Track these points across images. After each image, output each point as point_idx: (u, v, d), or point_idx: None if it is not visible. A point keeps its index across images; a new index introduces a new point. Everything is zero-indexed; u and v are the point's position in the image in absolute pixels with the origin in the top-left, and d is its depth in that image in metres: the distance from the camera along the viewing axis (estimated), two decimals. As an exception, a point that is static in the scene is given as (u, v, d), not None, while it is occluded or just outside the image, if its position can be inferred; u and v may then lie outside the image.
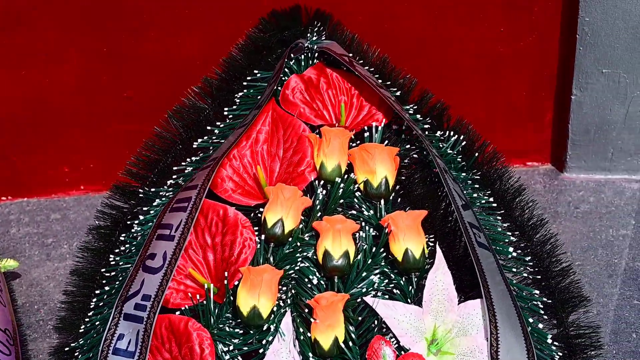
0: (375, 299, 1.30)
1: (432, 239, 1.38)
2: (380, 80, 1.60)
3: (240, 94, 1.61)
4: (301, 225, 1.39)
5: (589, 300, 1.48)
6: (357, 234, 1.37)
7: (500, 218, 1.49)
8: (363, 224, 1.38)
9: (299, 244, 1.36)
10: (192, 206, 1.40)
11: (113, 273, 1.47)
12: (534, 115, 1.88)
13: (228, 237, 1.38)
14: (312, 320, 1.28)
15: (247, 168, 1.47)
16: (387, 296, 1.33)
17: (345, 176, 1.41)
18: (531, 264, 1.44)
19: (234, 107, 1.59)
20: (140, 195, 1.54)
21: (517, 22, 1.74)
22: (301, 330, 1.30)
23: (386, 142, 1.46)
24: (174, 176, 1.54)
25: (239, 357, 1.29)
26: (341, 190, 1.39)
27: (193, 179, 1.45)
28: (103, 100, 1.88)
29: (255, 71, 1.62)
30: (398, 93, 1.59)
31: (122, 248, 1.48)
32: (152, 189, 1.55)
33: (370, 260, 1.33)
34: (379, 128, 1.46)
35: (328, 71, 1.58)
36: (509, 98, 1.85)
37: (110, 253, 1.50)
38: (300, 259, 1.35)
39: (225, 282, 1.33)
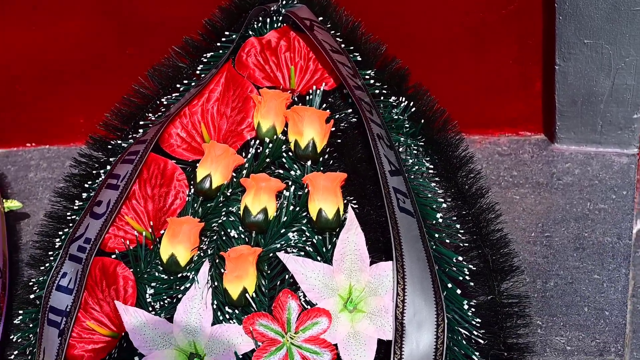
0: (286, 255, 1.36)
1: (354, 202, 1.42)
2: (343, 45, 1.63)
3: (211, 53, 1.68)
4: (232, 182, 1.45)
5: (520, 270, 1.48)
6: (283, 193, 1.43)
7: (437, 185, 1.50)
8: (289, 183, 1.43)
9: (223, 198, 1.43)
10: (139, 159, 1.50)
11: (75, 217, 1.58)
12: (524, 84, 1.86)
13: (164, 189, 1.47)
14: (223, 271, 1.35)
15: (196, 125, 1.55)
16: (302, 253, 1.38)
17: (275, 137, 1.46)
18: (462, 231, 1.46)
19: (202, 66, 1.67)
20: (109, 147, 1.65)
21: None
22: (216, 280, 1.37)
23: (324, 105, 1.50)
24: (140, 130, 1.64)
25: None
26: (268, 150, 1.44)
27: (146, 133, 1.55)
28: (108, 55, 1.99)
29: (227, 33, 1.69)
30: (359, 58, 1.62)
31: (85, 195, 1.59)
32: (123, 142, 1.65)
33: (286, 218, 1.38)
34: (318, 91, 1.51)
35: (291, 34, 1.63)
36: (497, 66, 1.85)
37: (77, 199, 1.61)
38: (224, 212, 1.42)
39: (150, 231, 1.42)
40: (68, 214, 1.60)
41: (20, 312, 1.53)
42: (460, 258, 1.41)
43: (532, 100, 1.88)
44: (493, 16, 1.77)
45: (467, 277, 1.41)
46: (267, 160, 1.45)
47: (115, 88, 1.95)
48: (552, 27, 1.73)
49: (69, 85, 2.07)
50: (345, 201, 1.41)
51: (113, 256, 1.45)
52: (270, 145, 1.45)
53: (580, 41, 1.72)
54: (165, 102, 1.67)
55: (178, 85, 1.67)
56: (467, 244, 1.47)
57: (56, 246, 1.57)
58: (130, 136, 1.65)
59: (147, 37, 1.95)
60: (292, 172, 1.44)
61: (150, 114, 1.69)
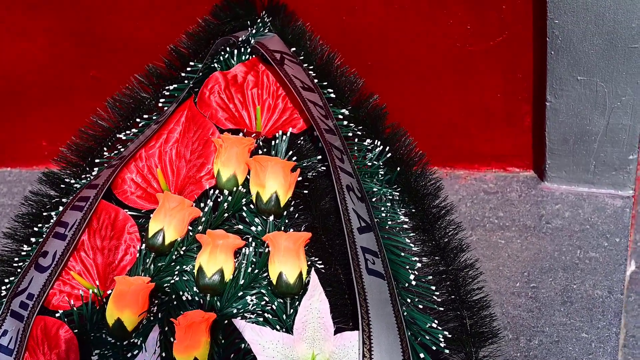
0: (243, 322, 1.24)
1: (320, 263, 1.30)
2: (316, 80, 1.51)
3: (174, 85, 1.56)
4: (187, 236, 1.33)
5: (498, 336, 1.36)
6: (242, 250, 1.31)
7: (413, 239, 1.39)
8: (250, 239, 1.31)
9: (177, 255, 1.31)
10: (88, 206, 1.38)
11: (22, 263, 1.46)
12: (512, 119, 1.74)
13: (113, 242, 1.36)
14: (172, 339, 1.24)
15: (152, 169, 1.43)
16: (261, 319, 1.26)
17: (236, 188, 1.34)
18: (437, 293, 1.34)
19: (164, 99, 1.55)
20: (62, 186, 1.53)
21: (485, 20, 1.60)
22: (165, 348, 1.26)
23: (290, 152, 1.38)
24: (96, 169, 1.52)
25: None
26: (227, 203, 1.32)
27: (98, 176, 1.43)
28: (71, 77, 1.87)
29: (192, 63, 1.57)
30: (333, 95, 1.50)
31: (33, 240, 1.48)
32: (78, 180, 1.53)
33: (243, 281, 1.27)
34: (284, 137, 1.39)
35: (260, 68, 1.51)
36: (483, 99, 1.72)
37: (25, 243, 1.49)
38: (177, 271, 1.30)
39: (95, 291, 1.30)
40: (16, 259, 1.48)
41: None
42: (434, 324, 1.29)
43: (521, 136, 1.76)
44: (480, 47, 1.65)
45: (442, 344, 1.29)
46: (226, 214, 1.32)
47: (79, 111, 1.84)
48: (543, 61, 1.61)
49: (30, 107, 1.95)
50: (309, 263, 1.29)
51: (57, 315, 1.33)
52: (230, 198, 1.33)
53: (574, 77, 1.59)
54: (123, 138, 1.55)
55: (138, 120, 1.55)
56: (442, 306, 1.35)
57: (2, 294, 1.45)
58: (84, 175, 1.53)
59: (112, 60, 1.84)
60: (253, 228, 1.32)
61: (106, 151, 1.56)
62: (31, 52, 1.84)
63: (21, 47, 1.84)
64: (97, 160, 1.53)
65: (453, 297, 1.39)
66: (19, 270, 1.45)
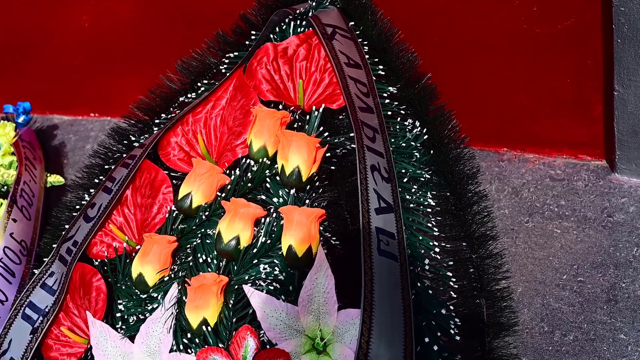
0: (251, 289, 1.30)
1: (336, 240, 1.33)
2: (368, 56, 1.52)
3: (236, 53, 1.61)
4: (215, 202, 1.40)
5: (515, 330, 1.35)
6: (263, 220, 1.36)
7: (440, 223, 1.39)
8: (271, 210, 1.36)
9: (203, 219, 1.38)
10: (134, 164, 1.47)
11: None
12: (582, 106, 1.68)
13: (149, 200, 1.44)
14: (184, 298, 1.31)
15: (197, 134, 1.50)
16: (272, 287, 1.31)
17: (264, 159, 1.39)
18: (454, 279, 1.34)
19: (226, 65, 1.61)
20: (125, 142, 1.63)
21: (551, 3, 1.55)
22: (181, 305, 1.33)
23: (322, 128, 1.41)
24: (155, 128, 1.61)
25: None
26: (251, 173, 1.37)
27: (148, 137, 1.51)
28: (163, 37, 1.97)
29: (254, 32, 1.61)
30: (382, 73, 1.51)
31: (92, 191, 1.59)
32: (141, 137, 1.63)
33: (257, 250, 1.32)
34: (317, 112, 1.41)
35: (314, 41, 1.54)
36: (552, 84, 1.68)
37: (87, 192, 1.61)
38: (200, 234, 1.37)
39: (130, 244, 1.39)
40: (77, 207, 1.60)
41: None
42: (445, 311, 1.29)
43: (592, 124, 1.70)
44: (548, 30, 1.60)
45: (454, 331, 1.29)
46: (250, 184, 1.37)
47: (167, 69, 1.93)
48: (610, 49, 1.54)
49: (126, 63, 2.07)
50: (322, 239, 1.31)
51: (95, 263, 1.43)
52: (255, 168, 1.37)
53: (642, 68, 1.52)
54: (186, 100, 1.62)
55: (199, 84, 1.61)
56: (462, 294, 1.34)
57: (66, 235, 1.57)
58: (146, 135, 1.62)
59: (199, 22, 1.90)
60: (275, 199, 1.36)
61: (172, 112, 1.64)
62: (128, 13, 1.94)
63: (119, 9, 1.94)
64: (157, 120, 1.61)
65: (475, 284, 1.37)
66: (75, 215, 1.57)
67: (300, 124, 1.43)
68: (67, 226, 1.55)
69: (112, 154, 1.63)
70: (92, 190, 1.58)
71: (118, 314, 1.37)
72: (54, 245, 1.54)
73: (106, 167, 1.61)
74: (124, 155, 1.60)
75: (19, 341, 1.41)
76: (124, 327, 1.36)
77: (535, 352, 1.49)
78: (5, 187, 1.87)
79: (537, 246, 1.63)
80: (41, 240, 1.81)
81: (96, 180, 1.59)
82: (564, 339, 1.51)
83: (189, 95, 1.61)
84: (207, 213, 1.37)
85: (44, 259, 1.53)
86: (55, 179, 1.95)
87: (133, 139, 1.61)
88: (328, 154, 1.39)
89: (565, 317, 1.53)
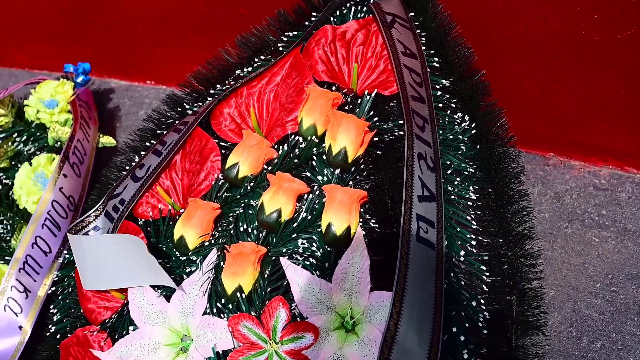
0: (287, 261, 1.32)
1: (375, 223, 1.35)
2: (425, 48, 1.54)
3: (294, 32, 1.64)
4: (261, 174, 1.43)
5: (543, 330, 1.36)
6: (306, 196, 1.39)
7: (479, 218, 1.40)
8: (315, 188, 1.39)
9: (247, 189, 1.41)
10: (185, 130, 1.51)
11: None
12: (632, 118, 1.68)
13: (197, 167, 1.47)
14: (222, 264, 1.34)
15: (249, 107, 1.53)
16: (308, 262, 1.34)
17: (312, 137, 1.41)
18: (487, 273, 1.36)
19: (283, 44, 1.64)
20: (179, 109, 1.67)
21: (613, 11, 1.55)
22: (218, 270, 1.37)
23: (372, 112, 1.43)
24: (209, 99, 1.64)
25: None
26: (298, 150, 1.40)
27: (203, 106, 1.55)
28: (222, 13, 2.00)
29: (314, 14, 1.64)
30: (437, 65, 1.53)
31: (142, 153, 1.63)
32: (194, 105, 1.66)
33: (295, 224, 1.34)
34: (369, 96, 1.44)
35: (372, 27, 1.56)
36: (604, 94, 1.68)
37: (137, 155, 1.65)
38: (243, 204, 1.40)
39: (174, 207, 1.43)
40: (127, 167, 1.64)
41: (65, 252, 1.60)
42: (475, 303, 1.31)
43: (642, 138, 1.69)
44: (605, 38, 1.60)
45: (482, 324, 1.31)
46: (296, 160, 1.40)
47: (225, 45, 1.97)
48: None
49: (185, 35, 2.11)
50: (362, 220, 1.34)
51: (139, 223, 1.47)
52: (303, 145, 1.40)
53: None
54: (241, 74, 1.65)
55: (256, 60, 1.64)
56: (492, 288, 1.36)
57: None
58: (199, 104, 1.65)
59: (258, 2, 1.93)
60: (320, 177, 1.39)
61: (227, 84, 1.68)
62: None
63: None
64: (211, 91, 1.64)
65: (507, 281, 1.39)
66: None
67: (351, 106, 1.46)
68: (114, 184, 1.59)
69: (165, 120, 1.67)
70: (142, 153, 1.61)
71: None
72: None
73: (158, 131, 1.65)
74: (177, 122, 1.63)
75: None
76: (160, 287, 1.39)
77: (561, 356, 1.50)
78: (59, 143, 1.92)
79: (574, 252, 1.64)
80: (89, 197, 1.86)
81: (147, 144, 1.63)
82: (591, 345, 1.51)
83: (245, 70, 1.64)
84: (252, 184, 1.40)
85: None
86: (107, 140, 1.99)
87: (187, 106, 1.64)
88: (376, 139, 1.41)
89: (595, 324, 1.54)
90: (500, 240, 1.41)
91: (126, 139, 1.95)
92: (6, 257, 1.77)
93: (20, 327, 1.68)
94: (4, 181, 1.87)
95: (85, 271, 1.39)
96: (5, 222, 1.81)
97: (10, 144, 1.93)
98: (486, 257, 1.37)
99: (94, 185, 1.82)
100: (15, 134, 1.96)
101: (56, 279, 1.62)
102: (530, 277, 1.39)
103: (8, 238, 1.80)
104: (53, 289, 1.63)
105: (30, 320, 1.69)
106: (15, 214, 1.82)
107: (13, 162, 1.90)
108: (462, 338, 1.29)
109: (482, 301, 1.32)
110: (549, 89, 1.72)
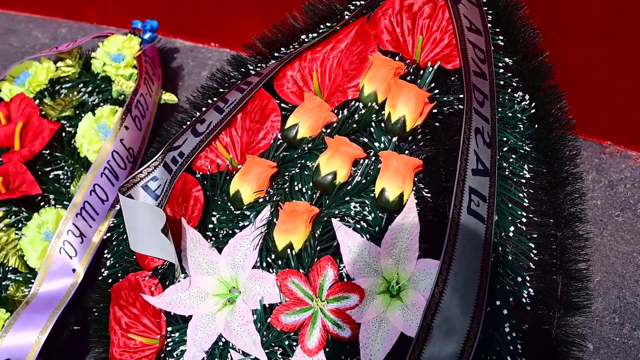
0: (339, 223, 1.35)
1: (427, 192, 1.37)
2: (491, 25, 1.55)
3: (362, 2, 1.66)
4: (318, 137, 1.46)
5: (586, 312, 1.37)
6: (361, 161, 1.41)
7: (531, 197, 1.41)
8: (371, 153, 1.41)
9: (304, 151, 1.44)
10: (249, 90, 1.54)
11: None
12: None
13: (257, 125, 1.51)
14: (275, 221, 1.38)
15: (312, 71, 1.55)
16: (358, 226, 1.37)
17: (372, 103, 1.44)
18: (535, 251, 1.37)
19: (349, 13, 1.66)
20: (243, 70, 1.70)
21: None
22: (271, 227, 1.40)
23: (433, 84, 1.45)
24: (273, 61, 1.67)
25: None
26: (358, 115, 1.43)
27: (268, 67, 1.58)
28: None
29: (384, -16, 1.65)
30: (501, 43, 1.54)
31: (204, 109, 1.67)
32: (257, 67, 1.69)
33: (349, 188, 1.37)
34: (431, 68, 1.45)
35: (440, 1, 1.57)
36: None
37: (199, 110, 1.69)
38: (300, 164, 1.43)
39: (232, 163, 1.46)
40: (187, 122, 1.68)
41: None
42: (521, 279, 1.32)
43: None
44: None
45: (525, 300, 1.33)
46: (355, 126, 1.42)
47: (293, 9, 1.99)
48: None
49: (254, 1, 2.13)
50: (415, 188, 1.36)
51: (197, 175, 1.51)
52: (363, 111, 1.42)
53: None
54: (306, 40, 1.68)
55: (322, 26, 1.67)
56: (538, 266, 1.37)
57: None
58: (262, 65, 1.68)
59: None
60: (377, 144, 1.41)
61: (290, 48, 1.70)
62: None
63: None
64: (276, 54, 1.67)
65: (554, 261, 1.40)
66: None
67: (413, 77, 1.47)
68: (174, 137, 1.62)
69: (228, 79, 1.70)
70: (203, 109, 1.65)
71: (210, 226, 1.44)
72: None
73: (220, 90, 1.69)
74: (239, 81, 1.66)
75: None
76: (213, 238, 1.43)
77: (602, 341, 1.51)
78: (123, 97, 1.97)
79: (624, 241, 1.64)
80: (148, 150, 1.91)
81: (209, 101, 1.67)
82: (633, 333, 1.52)
83: (310, 36, 1.66)
84: (309, 145, 1.43)
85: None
86: (169, 97, 2.04)
87: (250, 68, 1.67)
88: (435, 111, 1.43)
89: (639, 312, 1.54)
90: (551, 221, 1.42)
91: (190, 96, 1.99)
92: (65, 202, 1.82)
93: (74, 270, 1.73)
94: (67, 129, 1.92)
95: (129, 230, 1.43)
96: (66, 168, 1.86)
97: (75, 93, 1.98)
98: (535, 235, 1.38)
99: (154, 140, 1.86)
100: (81, 85, 2.00)
101: (112, 225, 1.66)
102: (577, 259, 1.40)
103: (68, 184, 1.85)
104: (108, 235, 1.68)
105: (83, 264, 1.74)
106: (75, 162, 1.87)
107: (77, 112, 1.95)
108: (505, 312, 1.30)
109: (527, 278, 1.33)
110: (612, 77, 1.71)
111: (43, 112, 1.93)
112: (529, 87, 1.51)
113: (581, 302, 1.38)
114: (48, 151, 1.88)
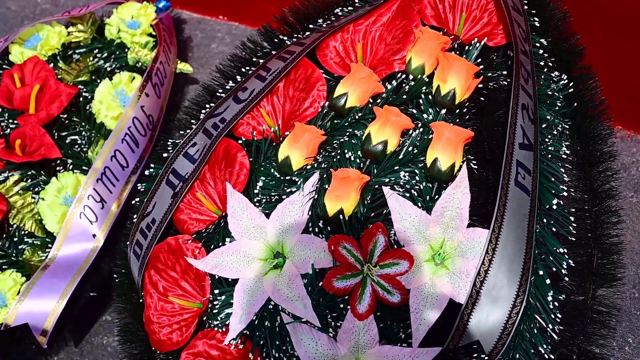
0: (390, 191, 1.38)
1: (474, 162, 1.41)
2: (527, 7, 1.59)
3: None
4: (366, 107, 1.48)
5: (619, 282, 1.43)
6: (409, 132, 1.44)
7: (568, 172, 1.46)
8: (419, 124, 1.44)
9: (352, 120, 1.46)
10: (292, 59, 1.56)
11: (223, 94, 1.67)
12: None
13: (302, 94, 1.52)
14: (327, 187, 1.40)
15: (355, 43, 1.58)
16: (408, 194, 1.39)
17: (421, 76, 1.47)
18: (574, 225, 1.42)
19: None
20: (275, 40, 1.71)
21: None
22: (320, 193, 1.42)
23: (479, 60, 1.48)
24: (307, 33, 1.69)
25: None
26: (408, 87, 1.45)
27: (307, 37, 1.60)
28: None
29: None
30: (537, 24, 1.58)
31: (239, 78, 1.67)
32: (289, 39, 1.71)
33: (402, 157, 1.40)
34: (478, 44, 1.49)
35: (481, -21, 1.61)
36: None
37: (231, 79, 1.69)
38: (348, 133, 1.45)
39: (276, 129, 1.47)
40: (219, 91, 1.69)
41: (152, 165, 1.64)
42: (562, 250, 1.37)
43: None
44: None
45: (564, 271, 1.37)
46: (404, 97, 1.45)
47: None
48: None
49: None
50: (465, 159, 1.39)
51: (240, 141, 1.52)
52: (413, 83, 1.45)
53: None
54: (339, 13, 1.69)
55: (357, 1, 1.69)
56: (576, 239, 1.42)
57: (200, 116, 1.66)
58: (296, 36, 1.70)
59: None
60: (425, 116, 1.44)
61: (320, 21, 1.72)
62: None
63: None
64: (310, 26, 1.69)
65: (589, 235, 1.45)
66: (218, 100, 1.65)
67: (457, 53, 1.51)
68: (211, 105, 1.63)
69: (261, 49, 1.71)
70: (238, 78, 1.66)
71: (255, 191, 1.45)
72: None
73: (254, 59, 1.70)
74: (273, 52, 1.68)
75: (161, 204, 1.51)
76: (256, 204, 1.44)
77: (623, 314, 1.57)
78: (139, 64, 1.96)
79: (639, 220, 1.70)
80: (166, 117, 1.91)
81: (243, 70, 1.68)
82: (652, 307, 1.58)
83: (345, 9, 1.69)
84: (359, 115, 1.45)
85: (184, 130, 1.62)
86: (185, 67, 2.03)
87: (285, 38, 1.68)
88: (480, 86, 1.46)
89: (656, 288, 1.61)
90: (586, 196, 1.47)
91: (198, 69, 2.00)
92: (83, 167, 1.81)
93: (94, 236, 1.73)
94: (83, 94, 1.90)
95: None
96: (83, 133, 1.85)
97: (91, 59, 1.96)
98: (573, 210, 1.43)
99: (178, 108, 1.86)
100: (96, 50, 1.99)
101: (142, 189, 1.66)
102: (611, 233, 1.45)
103: (85, 149, 1.84)
104: (132, 202, 1.67)
105: (104, 230, 1.74)
106: (92, 127, 1.86)
107: (93, 77, 1.93)
108: (548, 281, 1.35)
109: (566, 250, 1.38)
110: (623, 63, 1.77)
111: (59, 76, 1.91)
112: (564, 67, 1.55)
113: (616, 274, 1.44)
114: (65, 115, 1.86)
